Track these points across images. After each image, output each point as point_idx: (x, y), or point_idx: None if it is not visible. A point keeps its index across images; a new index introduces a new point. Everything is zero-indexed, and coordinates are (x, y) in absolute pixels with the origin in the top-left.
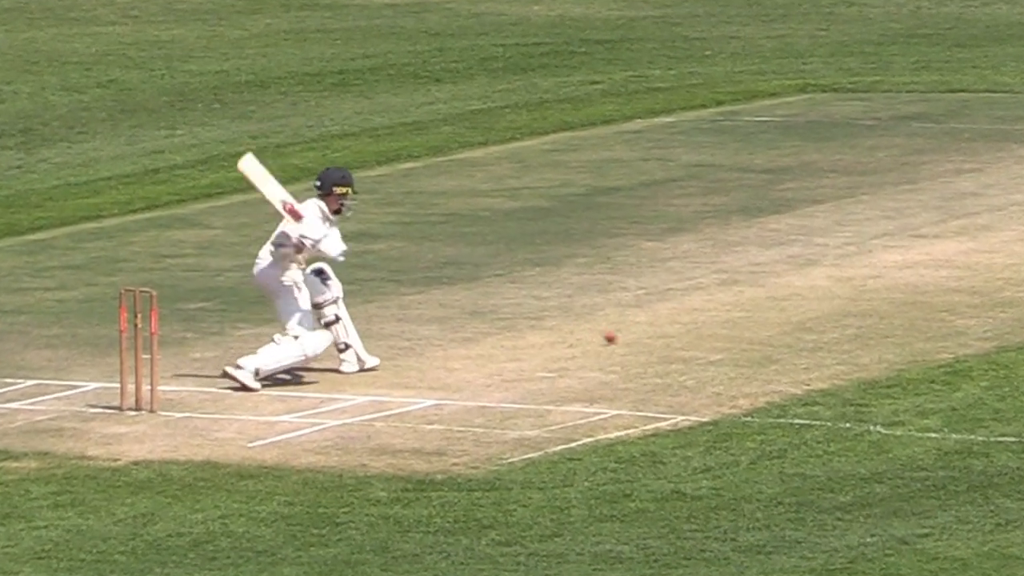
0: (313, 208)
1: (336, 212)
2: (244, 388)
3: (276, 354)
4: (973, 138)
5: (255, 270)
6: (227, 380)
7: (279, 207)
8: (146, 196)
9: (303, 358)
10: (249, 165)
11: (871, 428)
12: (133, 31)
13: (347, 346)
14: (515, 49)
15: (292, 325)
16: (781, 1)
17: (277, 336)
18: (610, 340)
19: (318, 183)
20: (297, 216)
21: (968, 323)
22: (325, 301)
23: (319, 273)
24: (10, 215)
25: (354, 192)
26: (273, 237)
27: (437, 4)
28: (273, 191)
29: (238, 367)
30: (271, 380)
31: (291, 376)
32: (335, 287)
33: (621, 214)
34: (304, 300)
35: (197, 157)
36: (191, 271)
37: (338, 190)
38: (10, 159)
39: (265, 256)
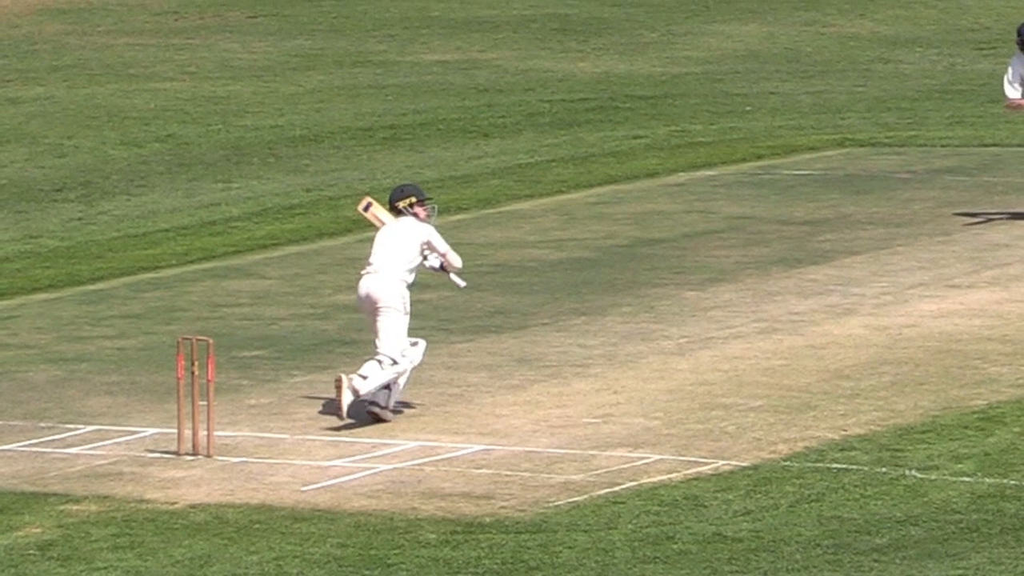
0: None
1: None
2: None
3: (383, 374)
4: (1006, 191)
5: (369, 283)
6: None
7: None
8: (203, 247)
9: (405, 370)
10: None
11: (907, 472)
12: (190, 87)
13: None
14: (561, 105)
15: (395, 349)
16: (819, 58)
17: (381, 356)
18: None
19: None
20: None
21: (1001, 370)
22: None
23: None
24: (71, 266)
25: (417, 199)
26: (399, 254)
27: (486, 61)
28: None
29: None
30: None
31: (344, 422)
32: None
33: (664, 265)
34: (406, 324)
35: (253, 209)
36: (247, 320)
37: (401, 204)
38: (71, 211)
39: (382, 270)
